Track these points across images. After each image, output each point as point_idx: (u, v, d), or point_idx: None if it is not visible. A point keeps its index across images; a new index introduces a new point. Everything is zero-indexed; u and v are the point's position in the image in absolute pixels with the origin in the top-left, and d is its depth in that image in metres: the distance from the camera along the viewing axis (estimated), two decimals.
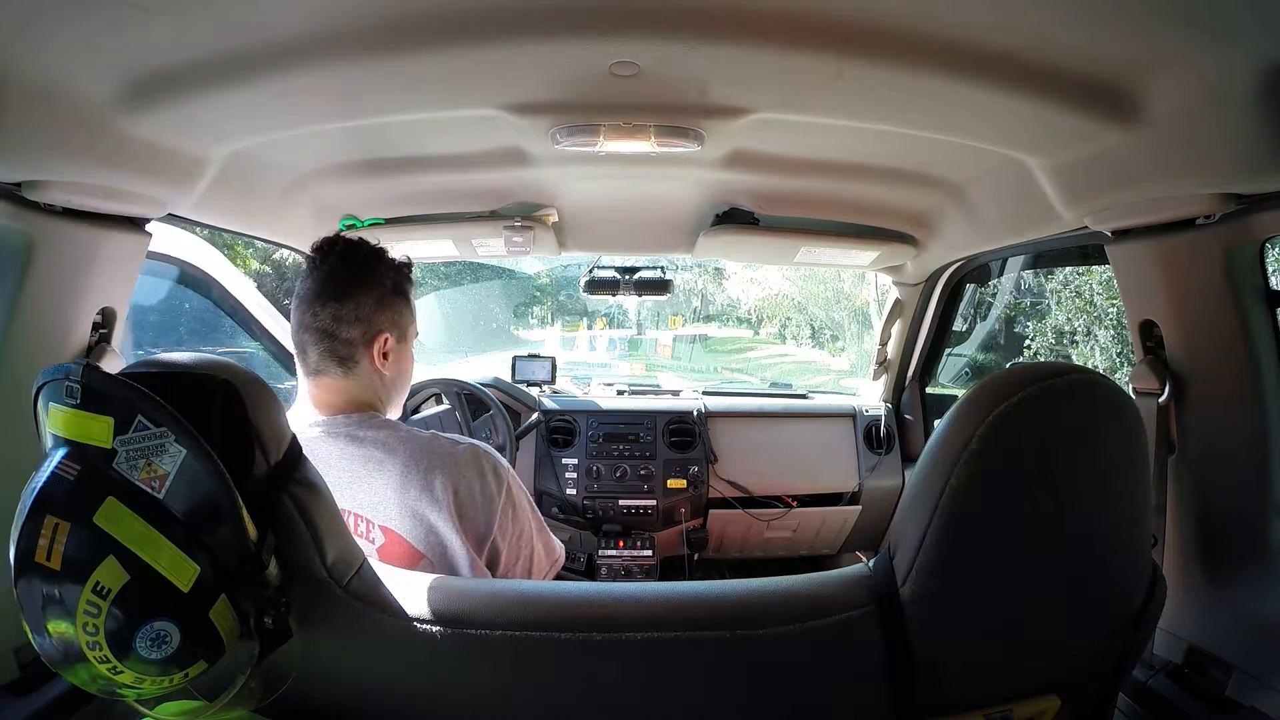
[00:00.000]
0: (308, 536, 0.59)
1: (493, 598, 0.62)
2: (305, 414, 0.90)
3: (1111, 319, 4.23)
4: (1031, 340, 4.64)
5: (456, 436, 0.93)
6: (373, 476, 0.84)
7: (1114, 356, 4.25)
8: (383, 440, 0.86)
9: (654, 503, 1.92)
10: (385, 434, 0.87)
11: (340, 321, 0.88)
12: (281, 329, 1.83)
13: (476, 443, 0.93)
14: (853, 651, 0.59)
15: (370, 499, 0.83)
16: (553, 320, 5.31)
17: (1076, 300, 4.45)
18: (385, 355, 0.91)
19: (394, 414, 0.98)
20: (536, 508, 0.97)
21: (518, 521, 0.91)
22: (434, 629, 0.59)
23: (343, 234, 1.00)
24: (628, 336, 4.92)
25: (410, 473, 0.84)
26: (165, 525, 0.50)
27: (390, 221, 1.54)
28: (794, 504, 1.96)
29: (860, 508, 1.98)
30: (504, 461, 0.93)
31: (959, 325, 2.08)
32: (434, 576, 0.65)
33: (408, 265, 0.99)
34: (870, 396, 2.14)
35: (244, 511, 0.54)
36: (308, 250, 1.56)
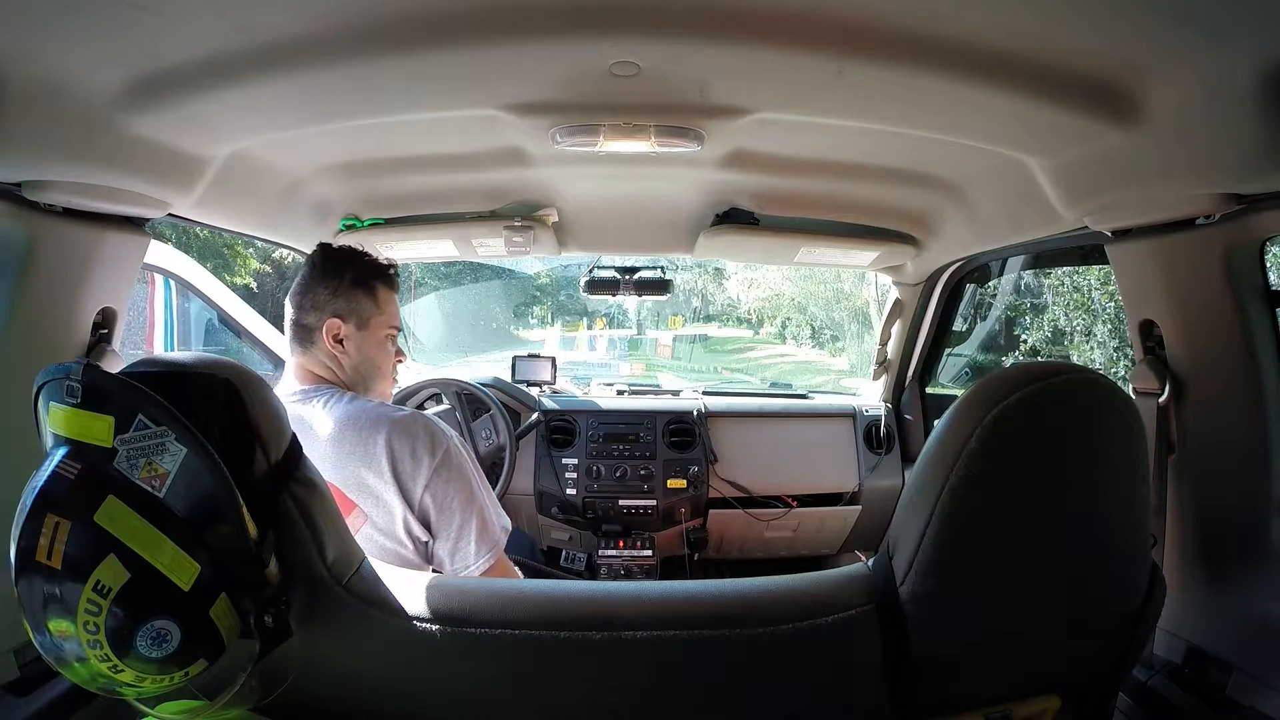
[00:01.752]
0: (308, 535, 0.59)
1: (493, 597, 0.62)
2: (288, 386, 1.07)
3: (1109, 314, 4.23)
4: (1029, 335, 4.64)
5: (405, 408, 1.05)
6: (315, 435, 0.98)
7: (1111, 351, 4.25)
8: (328, 406, 1.01)
9: (654, 503, 1.92)
10: (333, 402, 1.02)
11: (302, 310, 1.06)
12: (259, 326, 2.04)
13: (425, 414, 1.06)
14: (852, 650, 0.59)
15: (318, 458, 0.94)
16: (553, 320, 5.31)
17: (1076, 295, 4.45)
18: (339, 340, 1.06)
19: (371, 395, 1.09)
20: (487, 484, 1.07)
21: (452, 484, 1.00)
22: (433, 627, 0.59)
23: (330, 244, 1.12)
24: (628, 336, 4.92)
25: (345, 432, 0.98)
26: (166, 524, 0.50)
27: (390, 221, 1.54)
28: (794, 504, 1.96)
29: (860, 508, 1.98)
30: (447, 431, 1.04)
31: (959, 325, 2.08)
32: (434, 575, 0.65)
33: (383, 265, 1.11)
34: (870, 396, 2.14)
35: (244, 510, 0.54)
36: (307, 250, 1.58)
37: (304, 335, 1.06)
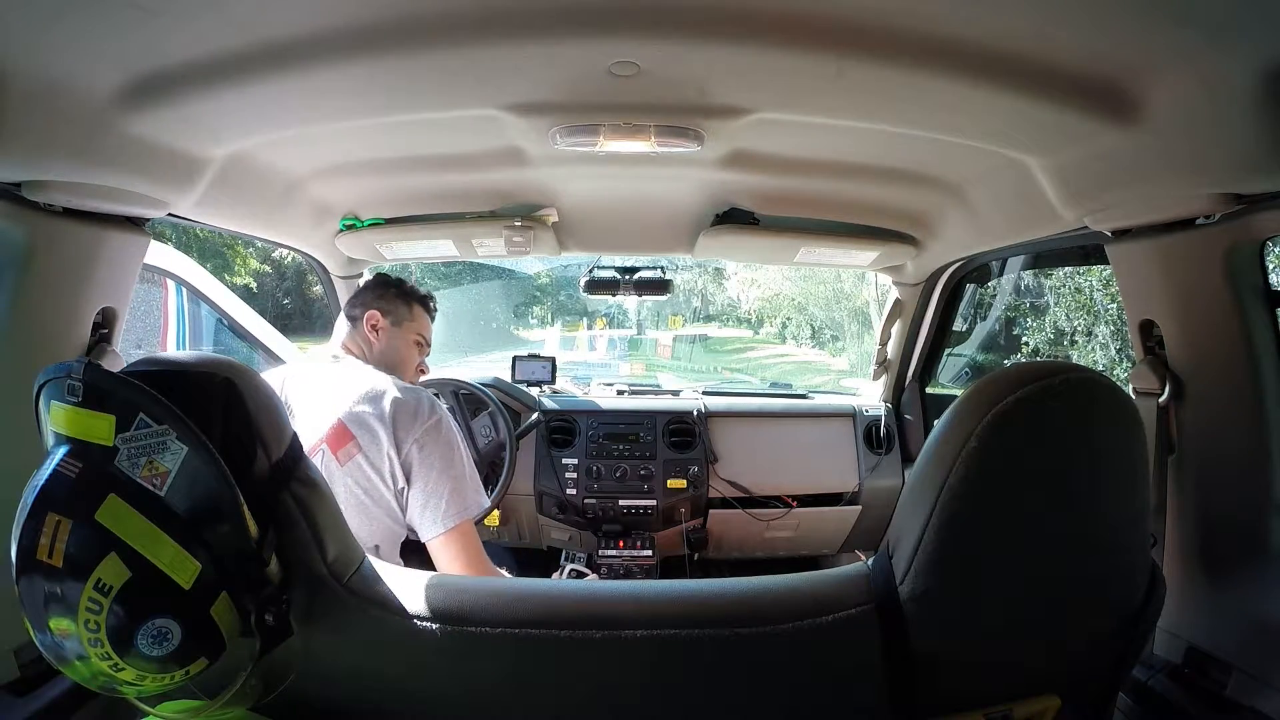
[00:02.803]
0: (308, 534, 0.59)
1: (493, 596, 0.62)
2: (330, 350, 1.33)
3: (1111, 315, 4.23)
4: (1030, 336, 4.64)
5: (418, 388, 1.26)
6: (336, 384, 1.20)
7: (1113, 353, 4.25)
8: (357, 368, 1.25)
9: (654, 503, 1.92)
10: (359, 367, 1.25)
11: (352, 306, 1.35)
12: (261, 329, 2.18)
13: (428, 391, 1.26)
14: (851, 650, 0.59)
15: (335, 400, 1.18)
16: (553, 320, 5.32)
17: (1077, 297, 4.45)
18: (375, 328, 1.32)
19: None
20: (473, 465, 1.22)
21: (438, 446, 1.17)
22: (434, 626, 0.59)
23: (386, 274, 1.43)
24: (628, 336, 4.92)
25: (361, 385, 1.19)
26: (167, 522, 0.50)
27: (390, 221, 1.54)
28: (794, 504, 1.95)
29: (860, 508, 1.98)
30: (444, 411, 1.21)
31: (959, 325, 2.08)
32: (434, 574, 0.65)
33: (425, 294, 1.40)
34: (870, 396, 2.14)
35: (245, 509, 0.54)
36: (308, 250, 1.58)
37: (351, 322, 1.33)
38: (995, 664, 0.61)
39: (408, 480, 1.15)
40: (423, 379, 1.91)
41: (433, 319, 1.41)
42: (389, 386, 1.18)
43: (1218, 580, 0.90)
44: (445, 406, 1.82)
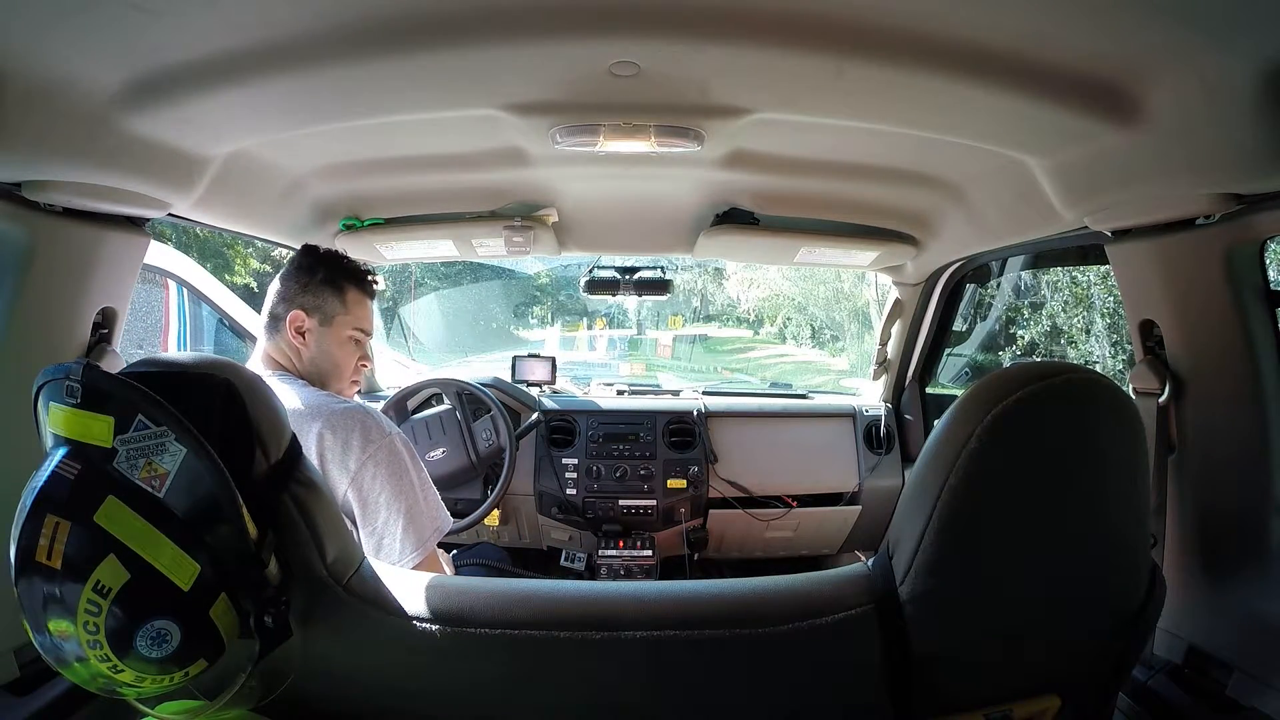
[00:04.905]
0: (308, 535, 0.59)
1: (493, 597, 0.62)
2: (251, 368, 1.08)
3: (1107, 307, 4.22)
4: (1026, 331, 4.63)
5: (350, 400, 1.08)
6: None
7: (1107, 346, 4.23)
8: (282, 387, 1.05)
9: (654, 503, 1.92)
10: (283, 387, 1.05)
11: (276, 300, 1.13)
12: (251, 321, 2.14)
13: (367, 407, 1.06)
14: (851, 651, 0.59)
15: None
16: (553, 320, 5.30)
17: (1074, 290, 4.43)
18: (301, 332, 1.11)
19: (329, 389, 1.12)
20: (426, 481, 1.07)
21: (379, 480, 1.01)
22: (433, 628, 0.59)
23: (315, 246, 1.19)
24: (628, 336, 4.92)
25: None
26: (166, 524, 0.50)
27: (390, 221, 1.54)
28: (794, 504, 1.95)
29: (860, 508, 1.98)
30: (385, 430, 1.03)
31: (959, 325, 2.08)
32: (433, 575, 0.65)
33: (360, 270, 1.17)
34: (870, 396, 2.14)
35: (244, 510, 0.54)
36: None
37: (272, 324, 1.13)
38: (995, 664, 0.61)
39: (353, 522, 1.02)
40: (424, 379, 1.92)
41: (374, 297, 1.19)
42: (316, 414, 1.01)
43: (1218, 580, 0.90)
44: (438, 412, 1.81)
